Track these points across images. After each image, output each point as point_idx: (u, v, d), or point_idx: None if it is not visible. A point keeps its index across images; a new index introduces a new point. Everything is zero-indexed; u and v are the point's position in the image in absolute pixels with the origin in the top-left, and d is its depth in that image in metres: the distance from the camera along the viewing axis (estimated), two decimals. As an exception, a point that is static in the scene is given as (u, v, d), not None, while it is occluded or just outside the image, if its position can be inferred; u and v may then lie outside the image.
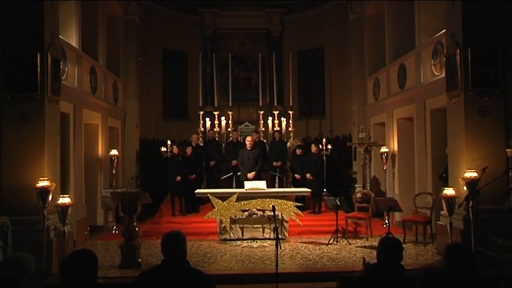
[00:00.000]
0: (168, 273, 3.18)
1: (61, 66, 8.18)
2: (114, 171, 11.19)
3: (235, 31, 16.23)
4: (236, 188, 11.04)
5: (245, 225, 9.53)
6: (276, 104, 15.40)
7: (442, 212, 8.11)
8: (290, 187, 11.81)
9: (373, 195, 10.35)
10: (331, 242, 9.06)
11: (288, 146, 12.98)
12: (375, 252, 3.89)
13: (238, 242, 9.29)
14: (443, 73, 8.46)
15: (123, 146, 12.92)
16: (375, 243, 7.38)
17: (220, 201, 9.38)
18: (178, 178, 11.09)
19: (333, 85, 15.31)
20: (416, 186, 10.38)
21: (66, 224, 7.27)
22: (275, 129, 13.78)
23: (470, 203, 7.11)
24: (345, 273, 6.33)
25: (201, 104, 14.54)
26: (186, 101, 16.05)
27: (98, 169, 11.15)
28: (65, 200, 7.22)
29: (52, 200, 7.09)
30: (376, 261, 3.56)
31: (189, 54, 16.05)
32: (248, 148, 10.99)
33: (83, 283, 2.94)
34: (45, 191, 6.94)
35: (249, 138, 11.16)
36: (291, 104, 14.50)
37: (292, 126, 13.98)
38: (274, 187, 11.65)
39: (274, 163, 12.10)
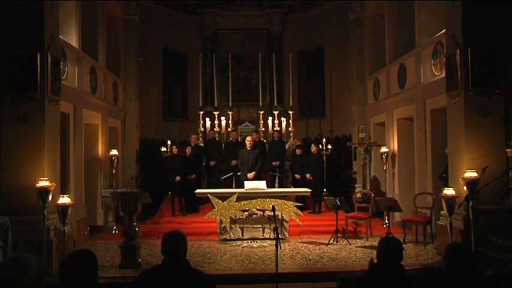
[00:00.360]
0: (168, 273, 3.18)
1: (61, 66, 8.18)
2: (114, 171, 11.20)
3: (235, 31, 16.22)
4: (236, 188, 11.04)
5: (245, 225, 9.52)
6: (276, 104, 15.40)
7: (442, 212, 8.11)
8: (290, 187, 11.82)
9: (373, 195, 10.35)
10: (331, 242, 9.06)
11: (287, 146, 12.99)
12: (374, 252, 3.89)
13: (238, 242, 9.28)
14: (443, 73, 8.46)
15: (123, 146, 12.92)
16: (375, 243, 7.38)
17: (220, 201, 9.38)
18: (178, 178, 11.09)
19: (333, 85, 15.30)
20: (416, 186, 10.37)
21: (66, 224, 7.27)
22: (275, 129, 13.79)
23: (470, 203, 7.11)
24: (345, 273, 6.33)
25: (201, 104, 14.54)
26: (186, 101, 16.05)
27: (98, 169, 11.15)
28: (65, 200, 7.22)
29: (52, 200, 7.08)
30: (376, 261, 3.56)
31: (189, 54, 16.05)
32: (248, 148, 10.99)
33: (82, 283, 2.94)
34: (45, 191, 6.95)
35: (248, 138, 11.16)
36: (291, 104, 14.50)
37: (292, 126, 13.98)
38: (274, 187, 11.65)
39: (273, 163, 12.10)
